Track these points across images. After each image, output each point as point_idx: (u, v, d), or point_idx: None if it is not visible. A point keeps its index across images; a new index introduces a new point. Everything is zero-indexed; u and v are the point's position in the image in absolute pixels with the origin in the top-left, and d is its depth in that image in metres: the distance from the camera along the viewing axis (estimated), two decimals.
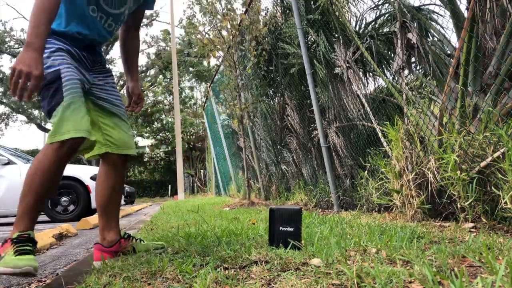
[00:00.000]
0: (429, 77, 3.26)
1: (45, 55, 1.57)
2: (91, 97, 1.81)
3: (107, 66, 1.99)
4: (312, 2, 4.61)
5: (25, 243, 1.49)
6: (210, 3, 5.98)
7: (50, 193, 1.63)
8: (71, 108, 1.58)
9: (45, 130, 22.98)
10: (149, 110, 26.36)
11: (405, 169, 2.70)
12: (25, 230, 1.52)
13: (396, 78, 3.60)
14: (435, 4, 3.26)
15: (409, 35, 2.99)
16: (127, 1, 1.85)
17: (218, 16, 6.05)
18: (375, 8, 3.88)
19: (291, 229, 1.67)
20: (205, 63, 22.44)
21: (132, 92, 2.07)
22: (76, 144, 1.58)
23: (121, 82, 23.23)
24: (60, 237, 3.57)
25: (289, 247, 1.61)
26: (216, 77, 9.80)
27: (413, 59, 3.16)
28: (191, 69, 23.51)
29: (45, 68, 1.55)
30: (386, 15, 3.85)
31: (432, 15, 3.34)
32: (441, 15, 3.24)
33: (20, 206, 1.54)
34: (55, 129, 1.56)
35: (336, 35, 4.20)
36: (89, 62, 1.82)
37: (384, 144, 3.25)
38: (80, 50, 1.76)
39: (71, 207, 6.42)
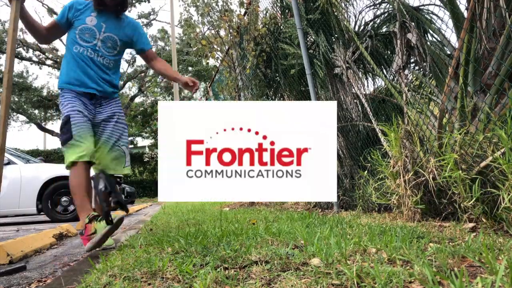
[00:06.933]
0: (428, 77, 3.26)
1: None
2: None
3: None
4: (311, 3, 4.61)
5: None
6: (207, 4, 5.96)
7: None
8: None
9: (45, 130, 22.88)
10: (148, 110, 26.28)
11: (403, 169, 2.70)
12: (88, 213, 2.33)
13: (396, 78, 3.60)
14: (434, 5, 3.27)
15: (409, 35, 2.99)
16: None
17: (216, 16, 6.03)
18: (374, 7, 3.88)
19: None
20: (203, 62, 22.38)
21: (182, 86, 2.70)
22: None
23: (121, 82, 23.22)
24: (60, 237, 3.57)
25: None
26: (216, 77, 9.79)
27: (412, 59, 3.16)
28: (190, 68, 23.46)
29: None
30: (385, 15, 3.85)
31: (432, 15, 3.34)
32: (439, 17, 3.24)
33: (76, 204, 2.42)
34: None
35: (336, 35, 4.19)
36: None
37: (384, 144, 3.25)
38: None
39: (71, 207, 6.39)
